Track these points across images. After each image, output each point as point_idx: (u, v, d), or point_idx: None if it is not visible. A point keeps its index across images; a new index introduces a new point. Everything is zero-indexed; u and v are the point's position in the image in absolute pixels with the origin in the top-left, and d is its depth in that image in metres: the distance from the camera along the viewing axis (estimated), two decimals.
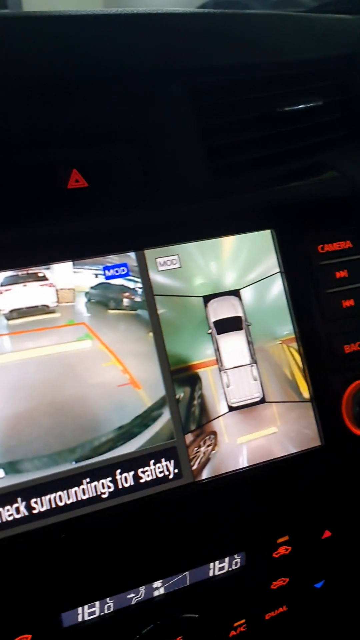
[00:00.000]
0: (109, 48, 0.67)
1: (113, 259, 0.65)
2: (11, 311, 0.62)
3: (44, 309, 0.63)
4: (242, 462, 0.67)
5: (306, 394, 0.70)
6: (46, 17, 0.65)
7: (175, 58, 0.70)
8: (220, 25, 0.75)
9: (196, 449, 0.65)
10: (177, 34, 0.71)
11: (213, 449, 0.66)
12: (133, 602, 0.65)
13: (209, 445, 0.66)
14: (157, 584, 0.65)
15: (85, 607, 0.63)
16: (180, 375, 0.66)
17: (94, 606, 0.63)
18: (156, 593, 0.66)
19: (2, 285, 0.62)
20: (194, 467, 0.65)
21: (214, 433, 0.66)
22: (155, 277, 0.66)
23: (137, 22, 0.70)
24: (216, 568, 0.68)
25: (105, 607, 0.64)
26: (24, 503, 0.59)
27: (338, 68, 0.82)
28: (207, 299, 0.68)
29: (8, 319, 0.61)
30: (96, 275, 0.64)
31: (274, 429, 0.68)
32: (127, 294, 0.65)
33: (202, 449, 0.66)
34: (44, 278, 0.62)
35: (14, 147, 0.63)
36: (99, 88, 0.66)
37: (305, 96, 0.78)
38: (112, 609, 0.64)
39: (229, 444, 0.67)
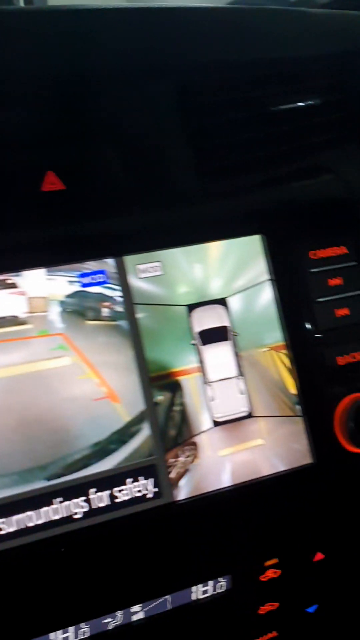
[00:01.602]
0: (92, 43, 0.64)
1: (90, 265, 0.62)
2: None
3: (13, 320, 0.59)
4: (226, 475, 0.63)
5: (296, 408, 0.66)
6: (35, 11, 0.62)
7: (163, 54, 0.67)
8: (211, 20, 0.71)
9: (173, 459, 0.62)
10: (165, 30, 0.68)
11: (192, 461, 0.62)
12: (110, 627, 0.61)
13: (188, 456, 0.62)
14: (136, 608, 0.62)
15: (59, 632, 0.59)
16: (160, 383, 0.62)
17: (67, 632, 0.60)
18: (134, 618, 0.62)
19: None
20: (172, 477, 0.61)
21: (194, 444, 0.63)
22: (136, 284, 0.63)
23: (125, 17, 0.66)
24: (199, 592, 0.64)
25: (80, 632, 0.60)
26: None
27: (335, 66, 0.78)
28: (191, 307, 0.65)
29: None
30: (71, 283, 0.61)
31: (260, 442, 0.65)
32: (107, 304, 0.62)
33: (181, 458, 0.62)
34: (13, 285, 0.59)
35: None
36: (78, 84, 0.63)
37: (300, 95, 0.74)
38: (87, 634, 0.61)
39: (211, 456, 0.63)
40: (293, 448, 0.66)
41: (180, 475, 0.62)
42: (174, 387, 0.63)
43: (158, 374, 0.62)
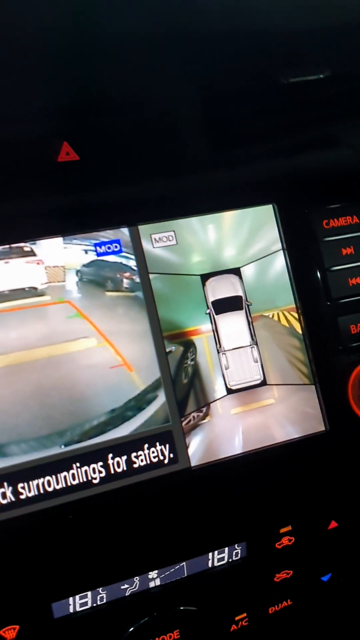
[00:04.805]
0: (99, 16, 0.64)
1: (105, 234, 0.62)
2: None
3: (32, 292, 0.60)
4: (238, 436, 0.63)
5: (310, 376, 0.67)
6: None
7: (172, 22, 0.67)
8: None
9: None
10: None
11: (204, 418, 0.63)
12: (127, 594, 0.62)
13: (200, 413, 0.63)
14: (153, 574, 0.63)
15: (77, 597, 0.60)
16: (174, 341, 0.63)
17: (86, 597, 0.60)
18: (152, 584, 0.63)
19: None
20: (183, 426, 0.62)
21: (208, 407, 0.64)
22: (150, 254, 0.63)
23: None
24: (215, 559, 0.65)
25: (98, 597, 0.61)
26: (10, 488, 0.57)
27: (344, 38, 0.78)
28: (205, 277, 0.65)
29: None
30: (86, 252, 0.62)
31: (271, 401, 0.65)
32: (125, 274, 0.62)
33: (193, 414, 0.63)
34: (31, 253, 0.60)
35: (4, 119, 0.60)
36: (91, 55, 0.63)
37: (310, 67, 0.74)
38: (105, 600, 0.61)
39: (223, 415, 0.64)
40: (306, 416, 0.66)
41: (191, 428, 0.62)
42: (187, 344, 0.64)
43: (171, 333, 0.63)
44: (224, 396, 0.64)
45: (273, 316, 0.66)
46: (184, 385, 0.63)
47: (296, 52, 0.74)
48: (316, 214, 0.68)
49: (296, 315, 0.67)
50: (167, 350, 0.62)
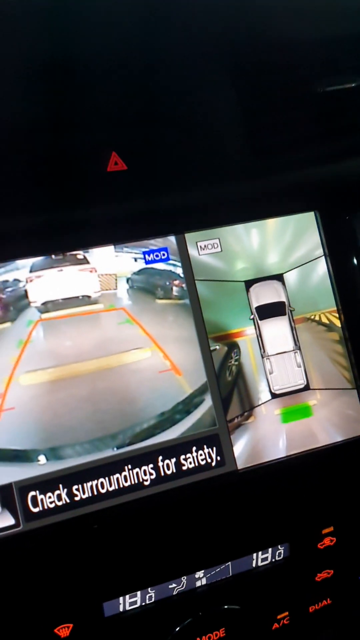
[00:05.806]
0: (147, 28, 0.65)
1: (154, 242, 0.64)
2: (45, 303, 0.60)
3: (85, 300, 0.61)
4: (282, 436, 0.65)
5: (352, 380, 0.68)
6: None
7: (216, 36, 0.68)
8: (261, 4, 0.73)
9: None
10: (217, 14, 0.69)
11: (248, 419, 0.64)
12: (175, 593, 0.64)
13: (243, 414, 0.64)
14: (199, 574, 0.64)
15: (127, 596, 0.62)
16: (219, 342, 0.65)
17: (135, 596, 0.62)
18: (198, 583, 0.64)
19: (31, 271, 0.60)
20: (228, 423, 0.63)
21: (252, 410, 0.65)
22: (196, 261, 0.65)
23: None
24: (259, 559, 0.66)
25: (147, 597, 0.63)
26: (65, 490, 0.58)
27: None
28: (249, 283, 0.67)
29: (42, 312, 0.60)
30: (135, 260, 0.63)
31: (314, 402, 0.67)
32: (176, 282, 0.64)
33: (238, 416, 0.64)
34: (84, 261, 0.61)
35: (54, 130, 0.62)
36: (139, 69, 0.64)
37: (350, 74, 0.75)
38: (153, 599, 0.63)
39: (268, 416, 0.65)
40: (349, 419, 0.67)
41: (235, 427, 0.64)
42: (231, 345, 0.65)
43: (216, 335, 0.65)
44: (268, 400, 0.65)
45: (315, 317, 0.68)
46: (228, 384, 0.64)
47: (330, 61, 0.75)
48: (357, 220, 0.69)
49: (338, 320, 0.68)
50: (212, 348, 0.63)
